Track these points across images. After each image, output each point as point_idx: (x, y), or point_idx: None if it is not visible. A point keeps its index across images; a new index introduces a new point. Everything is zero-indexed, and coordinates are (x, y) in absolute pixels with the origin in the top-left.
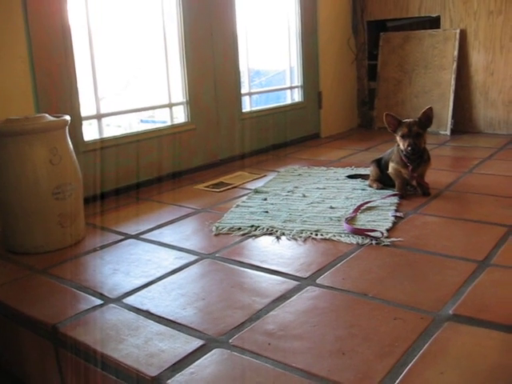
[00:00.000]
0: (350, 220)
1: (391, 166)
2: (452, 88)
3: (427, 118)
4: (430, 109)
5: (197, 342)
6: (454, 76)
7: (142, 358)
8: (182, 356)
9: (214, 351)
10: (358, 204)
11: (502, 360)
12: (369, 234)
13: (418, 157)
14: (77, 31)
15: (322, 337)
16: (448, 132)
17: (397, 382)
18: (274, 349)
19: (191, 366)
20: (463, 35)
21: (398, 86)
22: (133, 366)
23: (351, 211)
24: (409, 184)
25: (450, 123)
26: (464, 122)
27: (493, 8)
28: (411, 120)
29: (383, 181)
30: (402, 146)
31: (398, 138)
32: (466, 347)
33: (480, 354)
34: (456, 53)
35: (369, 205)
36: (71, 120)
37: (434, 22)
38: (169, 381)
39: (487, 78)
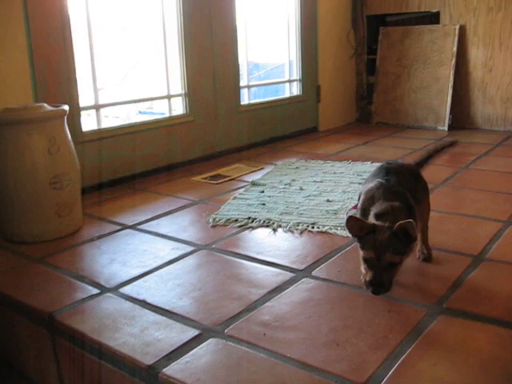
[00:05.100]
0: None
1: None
2: (450, 84)
3: (405, 234)
4: (410, 223)
5: (192, 332)
6: (452, 72)
7: (137, 346)
8: (178, 345)
9: (209, 341)
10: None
11: (494, 352)
12: None
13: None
14: (76, 21)
15: (316, 328)
16: (446, 128)
17: (390, 373)
18: (269, 339)
19: (187, 355)
20: (462, 31)
21: (396, 81)
22: (129, 354)
23: (350, 206)
24: None
25: (447, 119)
26: (462, 118)
27: (492, 4)
28: (383, 236)
29: None
30: (362, 270)
31: (360, 252)
32: (459, 340)
33: (472, 347)
34: (455, 49)
35: None
36: (69, 110)
37: (433, 18)
38: (164, 369)
39: (486, 74)
